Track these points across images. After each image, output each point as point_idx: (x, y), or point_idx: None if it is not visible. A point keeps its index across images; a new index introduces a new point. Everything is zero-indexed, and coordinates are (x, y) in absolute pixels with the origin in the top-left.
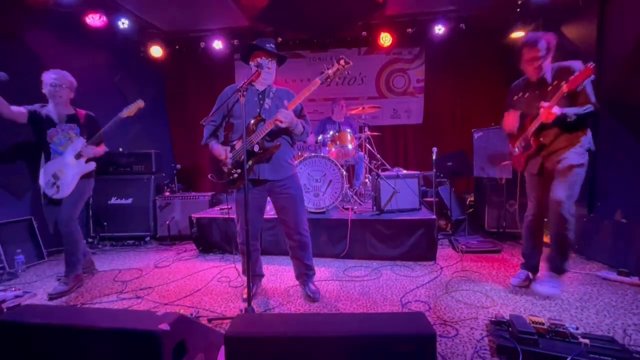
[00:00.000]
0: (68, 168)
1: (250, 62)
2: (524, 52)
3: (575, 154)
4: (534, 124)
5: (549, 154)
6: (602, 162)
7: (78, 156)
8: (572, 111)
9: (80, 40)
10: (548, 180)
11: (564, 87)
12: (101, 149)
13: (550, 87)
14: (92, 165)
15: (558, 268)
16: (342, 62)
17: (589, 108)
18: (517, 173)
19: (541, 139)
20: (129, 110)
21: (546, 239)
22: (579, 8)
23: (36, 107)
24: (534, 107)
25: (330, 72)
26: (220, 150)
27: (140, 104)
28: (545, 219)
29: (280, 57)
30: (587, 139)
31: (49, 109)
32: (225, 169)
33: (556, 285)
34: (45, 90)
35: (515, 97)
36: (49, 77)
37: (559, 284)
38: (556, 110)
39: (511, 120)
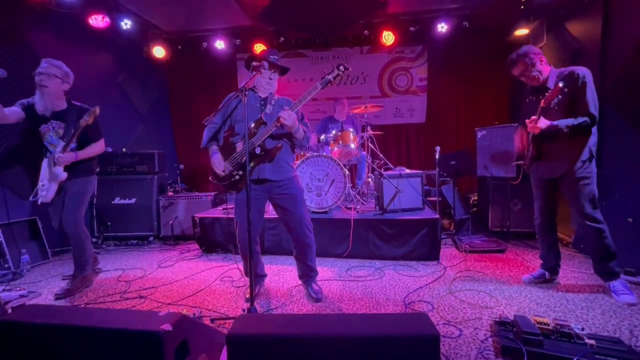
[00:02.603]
0: (53, 173)
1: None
2: (512, 73)
3: (578, 169)
4: (529, 133)
5: (549, 161)
6: (607, 161)
7: (53, 164)
8: (563, 123)
9: (83, 41)
10: (552, 184)
11: (542, 102)
12: (72, 156)
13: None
14: (64, 176)
15: (610, 273)
16: (341, 67)
17: (583, 121)
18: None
19: (541, 144)
20: (86, 120)
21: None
22: (582, 4)
23: (30, 100)
24: (533, 113)
25: (330, 77)
26: (217, 162)
27: (95, 110)
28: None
29: (283, 68)
30: (587, 148)
31: (36, 100)
32: (222, 174)
33: (628, 290)
34: (35, 80)
35: (527, 100)
36: (40, 66)
37: (629, 288)
38: (542, 124)
39: (517, 140)
